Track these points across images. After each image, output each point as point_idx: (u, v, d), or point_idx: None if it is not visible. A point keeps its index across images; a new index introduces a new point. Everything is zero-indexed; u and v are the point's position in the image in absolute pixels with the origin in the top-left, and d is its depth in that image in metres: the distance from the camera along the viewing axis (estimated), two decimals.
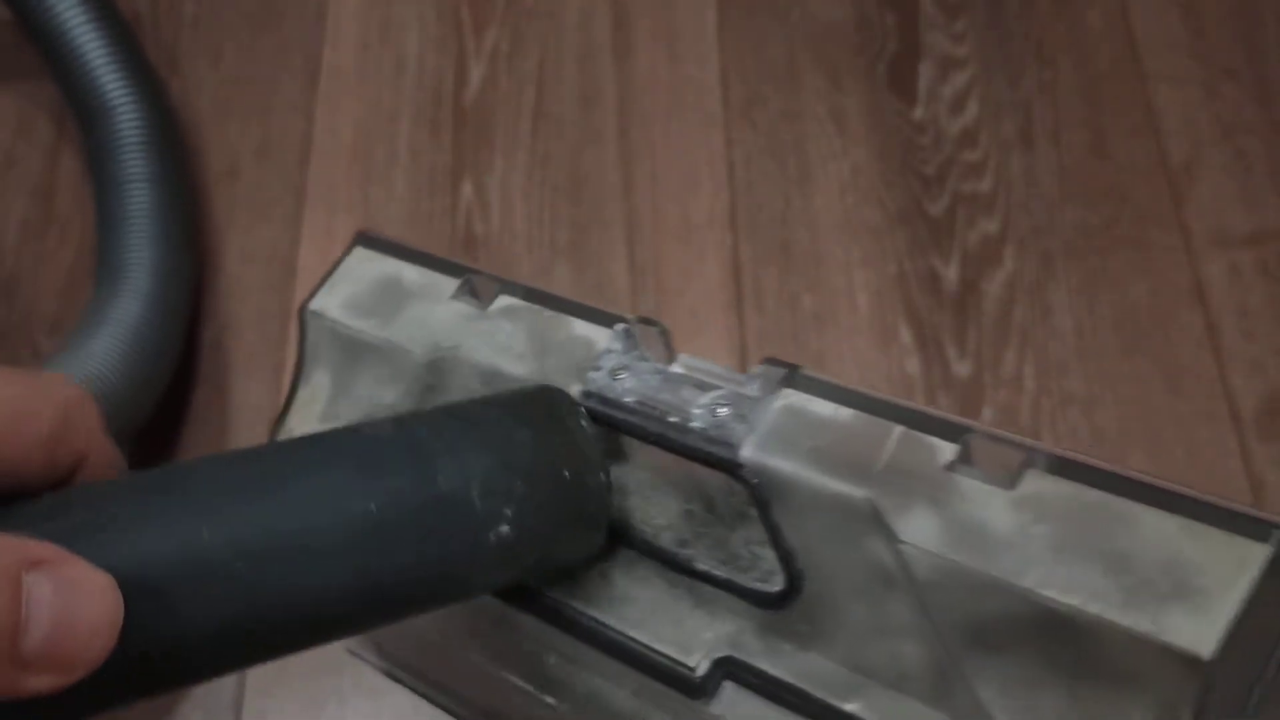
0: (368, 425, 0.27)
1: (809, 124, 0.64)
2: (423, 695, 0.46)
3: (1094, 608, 0.24)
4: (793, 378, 0.30)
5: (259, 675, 0.53)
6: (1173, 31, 0.63)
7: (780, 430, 0.29)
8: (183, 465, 0.25)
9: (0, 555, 0.20)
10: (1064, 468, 0.26)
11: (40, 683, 0.20)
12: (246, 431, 0.61)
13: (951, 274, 0.59)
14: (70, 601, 0.20)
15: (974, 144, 0.62)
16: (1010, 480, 0.26)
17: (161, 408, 0.59)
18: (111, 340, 0.55)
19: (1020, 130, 0.62)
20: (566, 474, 0.29)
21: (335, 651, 0.40)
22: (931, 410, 0.28)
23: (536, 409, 0.30)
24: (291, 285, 0.64)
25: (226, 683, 0.54)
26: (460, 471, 0.26)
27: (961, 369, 0.56)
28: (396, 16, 0.72)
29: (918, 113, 0.63)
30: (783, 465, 0.29)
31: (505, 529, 0.27)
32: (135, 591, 0.21)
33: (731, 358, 0.58)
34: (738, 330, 0.59)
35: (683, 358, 0.33)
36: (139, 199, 0.61)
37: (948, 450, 0.27)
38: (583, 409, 0.31)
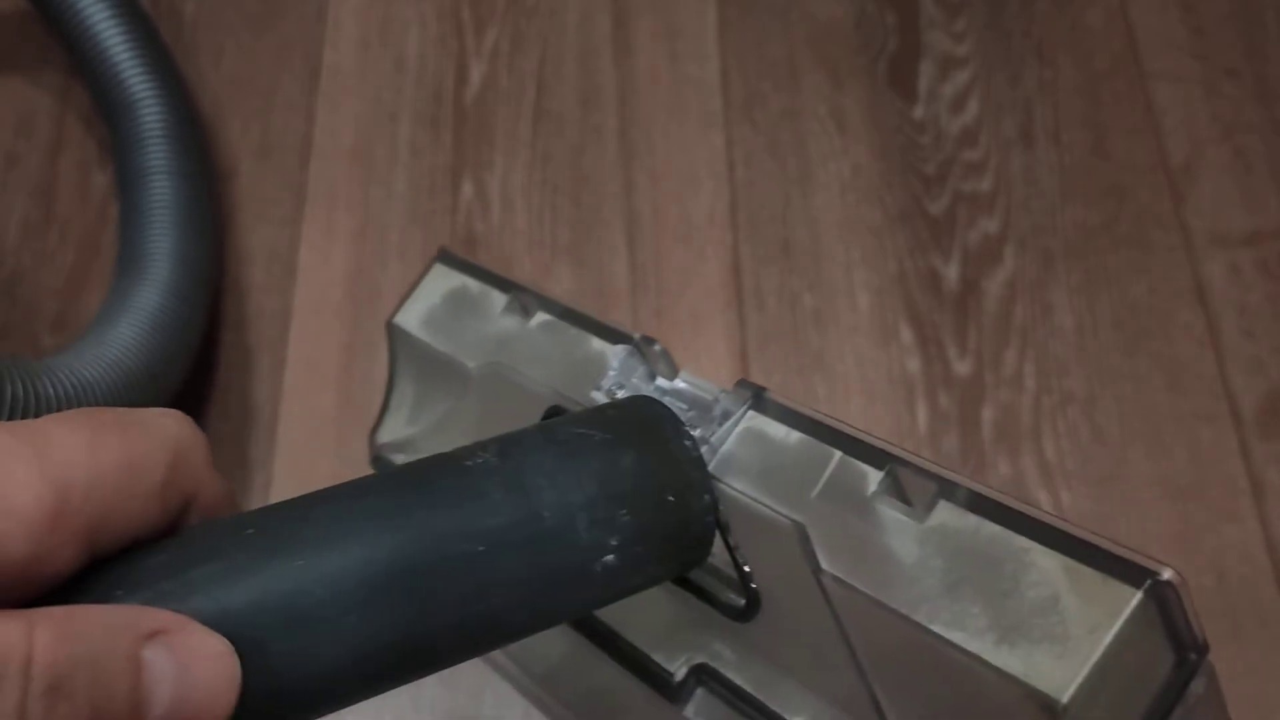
0: (471, 453, 0.27)
1: (809, 123, 0.64)
2: None
3: (973, 645, 0.24)
4: (758, 401, 0.31)
5: None
6: (1173, 30, 0.63)
7: (737, 453, 0.31)
8: (291, 507, 0.25)
9: (120, 631, 0.20)
10: (974, 502, 0.26)
11: None
12: (245, 431, 0.61)
13: (952, 273, 0.59)
14: (190, 672, 0.20)
15: (974, 143, 0.62)
16: (924, 512, 0.27)
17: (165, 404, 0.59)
18: (131, 327, 0.56)
19: (1020, 129, 0.62)
20: (670, 498, 0.29)
21: None
22: (870, 437, 0.29)
23: (638, 429, 0.30)
24: (291, 285, 0.64)
25: None
26: (566, 506, 0.27)
27: (962, 368, 0.56)
28: (396, 16, 0.72)
29: (918, 112, 0.63)
30: (733, 487, 0.30)
31: (610, 559, 0.27)
32: (250, 650, 0.21)
33: (731, 357, 0.58)
34: (738, 330, 0.59)
35: (683, 375, 0.34)
36: (161, 190, 0.62)
37: (876, 478, 0.28)
38: (686, 426, 0.31)
